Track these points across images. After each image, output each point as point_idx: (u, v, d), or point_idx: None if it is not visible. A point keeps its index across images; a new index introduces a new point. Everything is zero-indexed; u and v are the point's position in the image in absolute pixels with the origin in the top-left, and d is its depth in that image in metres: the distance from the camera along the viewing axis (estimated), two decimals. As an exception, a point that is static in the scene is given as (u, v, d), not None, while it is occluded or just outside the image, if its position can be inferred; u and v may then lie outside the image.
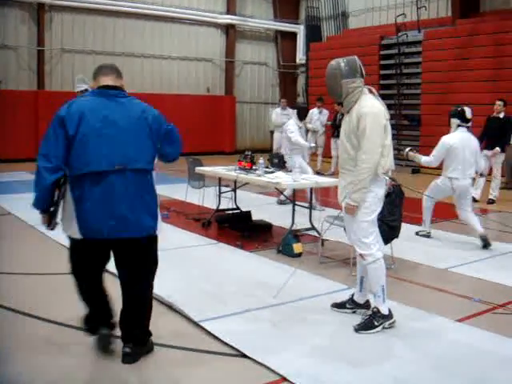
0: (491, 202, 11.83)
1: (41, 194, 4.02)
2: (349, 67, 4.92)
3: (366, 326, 4.88)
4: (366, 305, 5.30)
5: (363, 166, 4.73)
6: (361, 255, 5.01)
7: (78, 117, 3.95)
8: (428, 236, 8.59)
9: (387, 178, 5.03)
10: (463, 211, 8.28)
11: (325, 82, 5.08)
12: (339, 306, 5.42)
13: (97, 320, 4.44)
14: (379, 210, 5.01)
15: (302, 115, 10.72)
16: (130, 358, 4.24)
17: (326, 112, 16.10)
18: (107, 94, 4.16)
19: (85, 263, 4.32)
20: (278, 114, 16.09)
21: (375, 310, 4.95)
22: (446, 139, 8.13)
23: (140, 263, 4.38)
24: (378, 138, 4.74)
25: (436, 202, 8.62)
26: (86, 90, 9.22)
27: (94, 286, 4.43)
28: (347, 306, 5.39)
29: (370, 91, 4.98)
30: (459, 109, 8.26)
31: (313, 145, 10.83)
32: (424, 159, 8.13)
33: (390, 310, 4.97)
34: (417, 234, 8.63)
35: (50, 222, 4.16)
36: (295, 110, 11.00)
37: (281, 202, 11.23)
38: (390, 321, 4.95)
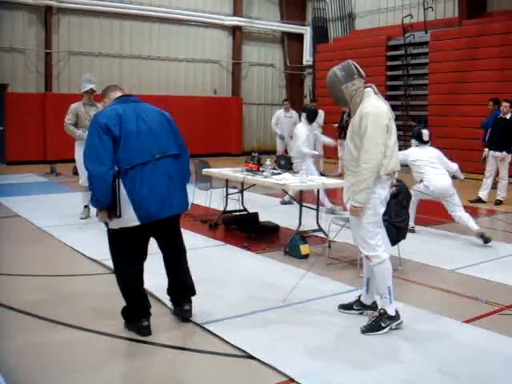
0: (499, 202, 11.81)
1: (103, 194, 4.52)
2: (345, 72, 4.93)
3: (373, 328, 4.89)
4: (373, 306, 5.31)
5: (365, 166, 4.73)
6: (367, 257, 5.02)
7: (118, 120, 4.60)
8: (412, 231, 8.61)
9: (392, 179, 5.02)
10: (454, 212, 8.40)
11: (328, 93, 5.11)
12: (346, 307, 5.43)
13: (139, 312, 4.86)
14: (383, 211, 5.01)
15: (311, 118, 10.55)
16: (190, 313, 5.09)
17: (321, 112, 15.99)
18: (129, 100, 4.92)
19: (137, 250, 4.87)
20: (279, 118, 15.73)
21: (382, 311, 4.96)
22: (403, 152, 8.49)
23: (177, 232, 5.24)
24: (380, 137, 4.74)
25: (440, 204, 8.68)
26: (93, 90, 9.28)
27: (141, 274, 4.95)
28: (354, 307, 5.40)
29: (374, 91, 4.97)
30: (417, 132, 8.80)
31: (316, 153, 10.86)
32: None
33: (397, 311, 4.97)
34: None
35: (110, 216, 4.63)
36: (304, 113, 10.83)
37: (284, 203, 11.32)
38: (397, 322, 4.95)
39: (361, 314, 5.33)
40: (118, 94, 5.04)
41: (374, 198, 4.86)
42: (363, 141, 4.76)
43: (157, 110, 5.08)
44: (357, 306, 5.39)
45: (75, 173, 15.35)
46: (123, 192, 4.57)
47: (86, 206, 9.44)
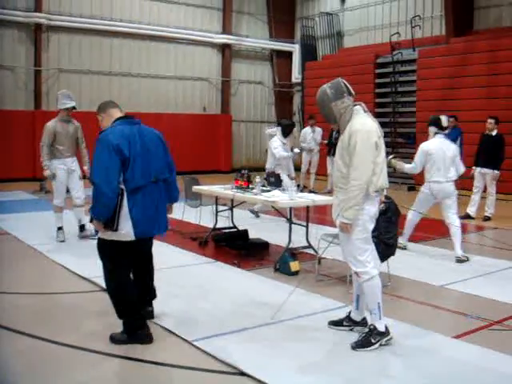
0: (487, 218, 11.88)
1: (105, 211, 4.81)
2: (334, 90, 4.97)
3: (363, 344, 4.90)
4: (363, 322, 5.32)
5: (354, 183, 4.76)
6: (356, 273, 5.04)
7: (128, 142, 4.91)
8: (404, 248, 8.65)
9: (380, 195, 5.05)
10: (449, 224, 8.38)
11: (319, 111, 5.16)
12: (336, 323, 5.44)
13: (138, 321, 5.10)
14: (372, 227, 5.04)
15: (287, 132, 10.94)
16: (153, 314, 5.56)
17: (319, 130, 16.16)
18: (132, 123, 5.20)
19: (127, 261, 5.20)
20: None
21: (372, 327, 4.97)
22: (423, 146, 8.45)
23: (151, 248, 5.71)
24: (369, 154, 4.77)
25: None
26: (74, 108, 9.19)
27: (133, 283, 5.29)
28: (344, 323, 5.41)
29: (364, 109, 5.02)
30: (435, 117, 8.62)
31: (296, 150, 11.12)
32: (407, 166, 8.38)
33: (386, 327, 4.99)
34: None
35: (107, 227, 4.89)
36: (279, 127, 11.15)
37: (254, 213, 11.74)
38: (387, 337, 4.97)
39: (351, 330, 5.34)
40: (119, 113, 5.32)
41: (363, 215, 4.89)
42: (352, 158, 4.78)
43: (155, 133, 5.43)
44: (347, 323, 5.40)
45: (42, 189, 15.31)
46: (125, 209, 4.90)
47: (60, 228, 9.23)
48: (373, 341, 4.91)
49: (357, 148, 4.76)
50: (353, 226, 4.88)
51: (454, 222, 8.38)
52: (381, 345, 4.91)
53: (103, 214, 4.82)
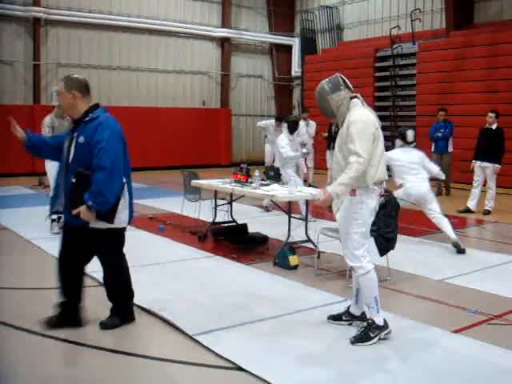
0: (487, 212, 11.85)
1: (114, 197, 4.83)
2: (332, 83, 5.01)
3: (361, 338, 4.89)
4: (362, 317, 5.30)
5: (355, 166, 4.70)
6: (352, 268, 5.02)
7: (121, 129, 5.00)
8: None
9: (379, 188, 5.02)
10: (434, 219, 8.54)
11: (317, 107, 5.17)
12: (335, 318, 5.43)
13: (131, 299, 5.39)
14: (371, 221, 5.03)
15: (293, 128, 10.73)
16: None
17: (313, 123, 16.06)
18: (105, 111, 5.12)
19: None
20: (272, 128, 15.92)
21: (370, 321, 4.96)
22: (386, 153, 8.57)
23: None
24: (366, 143, 4.76)
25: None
26: None
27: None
28: (343, 318, 5.40)
29: (361, 102, 5.01)
30: (401, 132, 8.87)
31: (304, 151, 11.00)
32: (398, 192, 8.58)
33: (385, 321, 4.97)
34: None
35: (106, 218, 4.89)
36: (285, 124, 11.00)
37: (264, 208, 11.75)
38: (386, 331, 4.95)
39: (350, 324, 5.33)
40: (92, 99, 5.17)
41: (362, 209, 4.88)
42: (349, 145, 4.79)
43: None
44: (346, 317, 5.39)
45: (41, 184, 15.26)
46: (127, 198, 5.03)
47: (53, 220, 9.23)
48: (371, 335, 4.89)
49: (354, 137, 4.77)
50: (351, 219, 4.87)
51: (434, 214, 8.50)
52: (380, 339, 4.90)
53: (111, 202, 4.79)
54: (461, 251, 8.33)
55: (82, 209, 4.73)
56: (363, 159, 4.72)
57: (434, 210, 8.54)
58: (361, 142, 4.75)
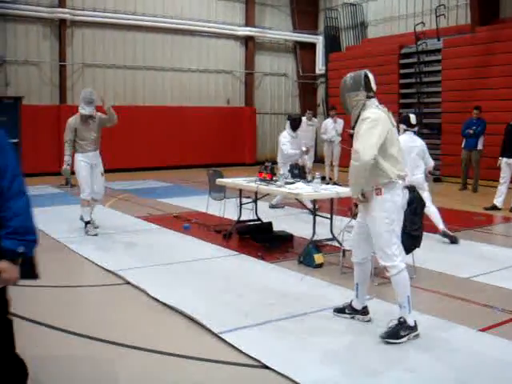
0: (514, 209, 11.76)
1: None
2: (353, 81, 5.07)
3: (392, 335, 4.87)
4: (364, 311, 5.41)
5: (354, 163, 4.86)
6: (385, 268, 5.00)
7: None
8: None
9: (402, 183, 5.02)
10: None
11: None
12: (339, 310, 5.53)
13: None
14: (401, 218, 5.02)
15: (295, 126, 11.08)
16: None
17: (340, 121, 16.05)
18: None
19: None
20: (304, 125, 15.98)
21: (402, 320, 4.93)
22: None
23: None
24: (374, 137, 4.80)
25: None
26: (91, 116, 9.25)
27: None
28: (346, 311, 5.48)
29: (376, 104, 5.06)
30: (405, 115, 8.97)
31: (304, 149, 11.18)
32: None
33: (415, 322, 4.96)
34: None
35: None
36: (287, 122, 11.28)
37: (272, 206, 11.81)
38: (415, 333, 4.94)
39: (352, 318, 5.41)
40: None
41: (390, 207, 4.89)
42: (356, 143, 4.89)
43: None
44: (348, 310, 5.47)
45: (68, 183, 15.39)
46: None
47: (88, 223, 9.30)
48: (402, 333, 4.88)
49: (361, 132, 4.86)
50: (381, 218, 4.90)
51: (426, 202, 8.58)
52: (408, 339, 4.88)
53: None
54: (454, 241, 8.49)
55: (4, 265, 3.10)
56: (358, 156, 4.80)
57: (425, 198, 8.48)
58: (365, 139, 4.81)
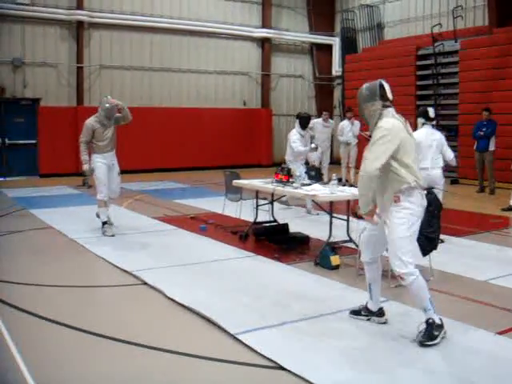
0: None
1: None
2: (369, 91, 5.10)
3: (428, 337, 4.85)
4: (379, 313, 5.42)
5: (360, 173, 4.92)
6: (399, 276, 4.96)
7: None
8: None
9: (421, 190, 5.00)
10: None
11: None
12: (355, 312, 5.53)
13: None
14: (418, 224, 4.99)
15: (304, 124, 11.34)
16: None
17: (357, 123, 15.97)
18: None
19: None
20: (320, 126, 15.94)
21: (431, 321, 4.91)
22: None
23: None
24: (381, 148, 4.83)
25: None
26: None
27: None
28: (362, 313, 5.49)
29: (392, 113, 5.06)
30: (422, 109, 9.11)
31: (313, 146, 11.40)
32: None
33: (441, 320, 4.97)
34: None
35: None
36: (297, 120, 11.48)
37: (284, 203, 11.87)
38: (444, 331, 4.95)
39: (368, 320, 5.42)
40: None
41: (407, 214, 4.88)
42: (370, 150, 4.90)
43: None
44: (364, 312, 5.48)
45: (85, 184, 15.55)
46: None
47: (105, 223, 9.37)
48: (436, 333, 4.88)
49: (371, 143, 4.91)
50: (398, 224, 4.88)
51: None
52: (441, 338, 4.87)
53: None
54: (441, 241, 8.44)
55: None
56: (364, 166, 4.86)
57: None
58: (373, 150, 4.86)
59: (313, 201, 8.50)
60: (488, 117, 14.49)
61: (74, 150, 18.30)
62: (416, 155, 5.08)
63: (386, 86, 5.09)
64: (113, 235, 9.21)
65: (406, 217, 4.88)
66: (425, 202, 5.07)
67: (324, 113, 16.28)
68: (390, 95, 5.08)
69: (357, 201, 5.41)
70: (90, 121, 9.25)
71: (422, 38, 19.72)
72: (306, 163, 11.83)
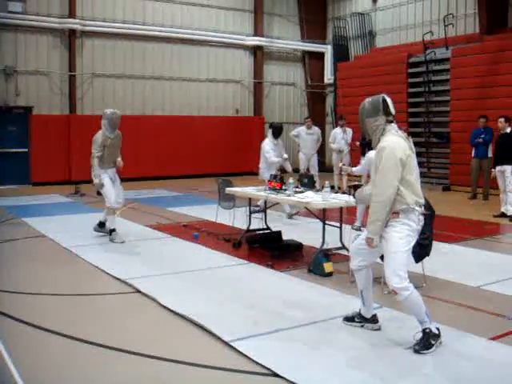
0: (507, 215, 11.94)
1: None
2: (371, 106, 5.07)
3: (425, 346, 4.87)
4: (373, 319, 5.43)
5: (375, 199, 4.87)
6: (394, 291, 4.96)
7: None
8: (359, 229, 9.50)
9: (420, 209, 5.00)
10: None
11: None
12: (349, 319, 5.53)
13: None
14: (413, 243, 5.01)
15: (277, 133, 11.80)
16: None
17: (349, 130, 15.97)
18: None
19: None
20: (304, 134, 15.82)
21: (428, 330, 4.93)
22: (368, 154, 8.77)
23: None
24: (391, 172, 4.82)
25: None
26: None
27: None
28: (356, 319, 5.49)
29: (395, 129, 5.05)
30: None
31: (285, 156, 11.88)
32: (354, 169, 9.37)
33: (438, 330, 4.98)
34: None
35: None
36: (270, 129, 11.90)
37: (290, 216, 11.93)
38: (440, 339, 4.96)
39: (362, 326, 5.42)
40: None
41: (404, 228, 4.91)
42: (376, 175, 4.90)
43: None
44: (358, 319, 5.48)
45: (77, 192, 15.61)
46: None
47: (113, 230, 9.41)
48: (432, 342, 4.89)
49: (380, 166, 4.87)
50: (397, 238, 4.90)
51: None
52: (436, 346, 4.89)
53: None
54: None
55: None
56: (378, 192, 4.85)
57: None
58: (387, 173, 4.83)
59: (306, 208, 8.50)
60: (484, 124, 14.60)
61: (66, 159, 18.38)
62: (417, 171, 5.06)
63: (389, 101, 5.07)
64: (123, 242, 9.28)
65: (405, 232, 4.90)
66: (422, 224, 5.06)
67: (306, 120, 16.12)
68: (392, 110, 5.06)
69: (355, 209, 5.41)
70: (99, 135, 9.17)
71: (414, 45, 19.83)
72: (295, 171, 12.00)
